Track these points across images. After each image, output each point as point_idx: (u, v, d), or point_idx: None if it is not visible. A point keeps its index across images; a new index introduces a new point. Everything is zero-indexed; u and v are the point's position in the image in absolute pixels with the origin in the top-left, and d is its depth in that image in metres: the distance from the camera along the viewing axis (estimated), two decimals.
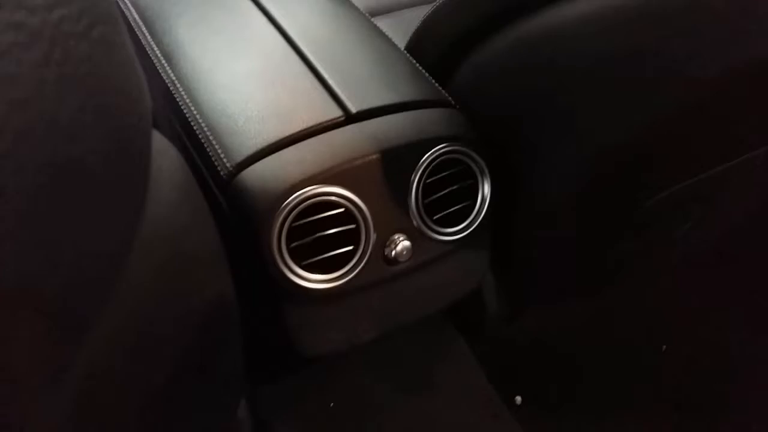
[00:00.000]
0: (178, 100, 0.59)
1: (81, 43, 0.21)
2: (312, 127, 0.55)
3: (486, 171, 0.60)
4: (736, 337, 1.01)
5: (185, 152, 0.59)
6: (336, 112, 0.57)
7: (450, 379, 0.86)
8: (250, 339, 0.54)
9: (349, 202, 0.54)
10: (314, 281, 0.55)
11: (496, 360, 0.89)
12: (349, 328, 0.61)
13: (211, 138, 0.56)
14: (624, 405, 0.94)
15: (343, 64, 0.62)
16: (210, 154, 0.55)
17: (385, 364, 0.85)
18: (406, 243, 0.57)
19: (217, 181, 0.55)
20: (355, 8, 0.73)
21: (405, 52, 0.68)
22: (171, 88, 0.61)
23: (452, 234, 0.60)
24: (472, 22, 0.61)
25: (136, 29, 0.68)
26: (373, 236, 0.56)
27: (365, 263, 0.56)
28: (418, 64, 0.65)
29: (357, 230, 0.55)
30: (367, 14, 0.72)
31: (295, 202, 0.52)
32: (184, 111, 0.59)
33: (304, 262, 0.54)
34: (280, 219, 0.52)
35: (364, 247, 0.56)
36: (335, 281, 0.55)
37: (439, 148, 0.57)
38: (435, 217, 0.59)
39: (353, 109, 0.57)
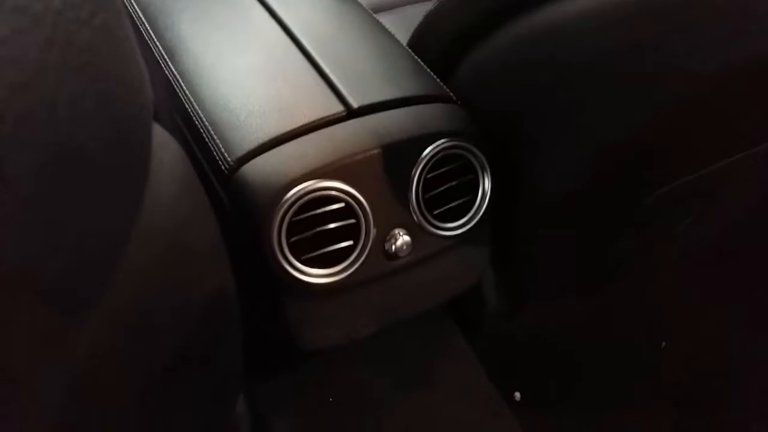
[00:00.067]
0: (180, 94, 0.60)
1: (82, 30, 0.21)
2: (313, 122, 0.56)
3: (486, 166, 0.60)
4: (736, 334, 1.01)
5: (187, 147, 0.59)
6: (337, 107, 0.57)
7: (449, 376, 0.86)
8: (250, 334, 0.54)
9: (349, 196, 0.54)
10: (314, 276, 0.55)
11: (496, 356, 0.89)
12: (348, 322, 0.61)
13: (212, 132, 0.56)
14: (623, 402, 0.94)
15: (344, 59, 0.62)
16: (211, 148, 0.56)
17: (385, 360, 0.85)
18: (407, 238, 0.58)
19: (219, 175, 0.55)
20: (358, 4, 0.73)
21: (407, 48, 0.68)
22: (173, 83, 0.61)
23: (452, 229, 0.60)
24: (473, 18, 0.61)
25: (138, 24, 0.68)
26: (373, 231, 0.56)
27: (365, 258, 0.56)
28: (419, 60, 0.65)
29: (357, 225, 0.55)
30: (369, 10, 0.73)
31: (295, 196, 0.52)
32: (186, 105, 0.59)
33: (305, 257, 0.54)
34: (281, 213, 0.52)
35: (364, 241, 0.56)
36: (335, 276, 0.56)
37: (440, 143, 0.57)
38: (435, 212, 0.59)
39: (355, 104, 0.57)
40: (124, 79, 0.26)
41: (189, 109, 0.58)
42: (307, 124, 0.55)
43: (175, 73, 0.61)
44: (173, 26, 0.66)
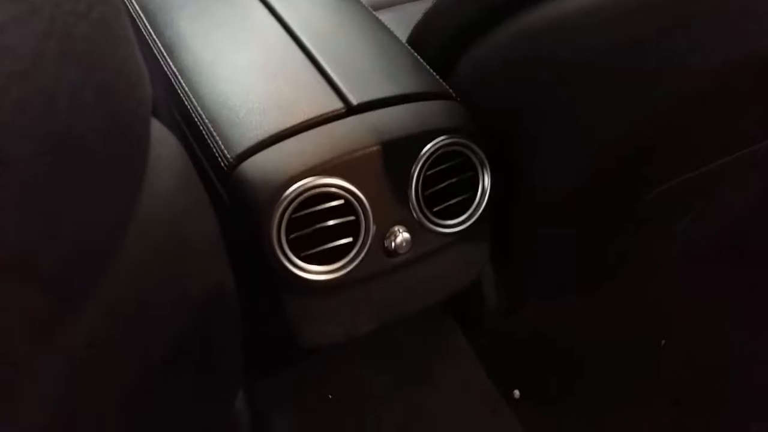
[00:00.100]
0: (179, 91, 0.60)
1: (80, 23, 0.21)
2: (313, 118, 0.55)
3: (486, 163, 0.60)
4: (736, 333, 1.01)
5: (186, 144, 0.59)
6: (337, 104, 0.57)
7: (449, 373, 0.86)
8: (249, 331, 0.54)
9: (349, 193, 0.54)
10: (314, 273, 0.55)
11: (495, 353, 0.89)
12: (348, 319, 0.61)
13: (212, 129, 0.56)
14: (623, 399, 0.94)
15: (344, 56, 0.62)
16: (211, 145, 0.56)
17: (384, 357, 0.85)
18: (406, 235, 0.57)
19: (218, 172, 0.55)
20: (358, 2, 0.73)
21: (406, 45, 0.68)
22: (172, 80, 0.61)
23: (452, 226, 0.60)
24: (473, 15, 0.61)
25: (138, 21, 0.68)
26: (372, 228, 0.56)
27: (365, 255, 0.56)
28: (419, 57, 0.65)
29: (357, 222, 0.55)
30: (369, 8, 0.72)
31: (295, 193, 0.52)
32: (185, 102, 0.59)
33: (304, 254, 0.54)
34: (280, 210, 0.52)
35: (363, 238, 0.56)
36: (335, 273, 0.56)
37: (440, 140, 0.57)
38: (435, 210, 0.59)
39: (354, 100, 0.57)
40: (123, 73, 0.26)
41: (188, 106, 0.58)
42: (306, 121, 0.55)
43: (175, 70, 0.61)
44: (172, 23, 0.66)
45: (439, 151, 0.57)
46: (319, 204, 0.53)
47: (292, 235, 0.53)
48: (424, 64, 0.65)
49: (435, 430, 0.80)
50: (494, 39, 0.59)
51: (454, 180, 0.59)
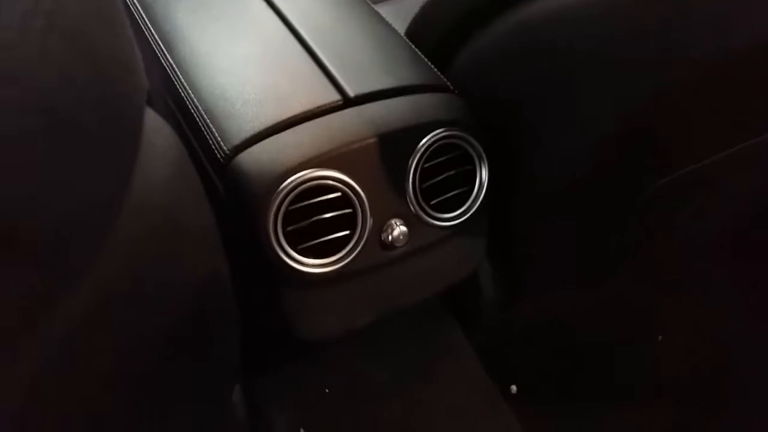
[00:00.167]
0: (176, 83, 0.59)
1: (69, 1, 0.21)
2: (310, 110, 0.55)
3: (484, 156, 0.60)
4: (736, 329, 1.00)
5: (182, 135, 0.59)
6: (334, 96, 0.57)
7: (446, 369, 0.86)
8: (247, 325, 0.54)
9: (346, 186, 0.54)
10: (310, 265, 0.55)
11: (494, 349, 0.89)
12: (345, 312, 0.61)
13: (208, 121, 0.56)
14: (621, 395, 0.94)
15: (341, 48, 0.61)
16: (207, 137, 0.55)
17: (382, 353, 0.85)
18: (403, 228, 0.57)
19: (214, 164, 0.55)
20: None
21: (404, 37, 0.67)
22: (169, 72, 0.60)
23: (449, 219, 0.60)
24: (471, 7, 0.61)
25: (134, 13, 0.67)
26: (369, 221, 0.56)
27: (361, 248, 0.56)
28: (417, 50, 0.65)
29: (354, 215, 0.55)
30: (368, 1, 0.72)
31: (291, 185, 0.52)
32: (182, 94, 0.58)
33: (301, 246, 0.54)
34: (277, 202, 0.52)
35: (360, 231, 0.56)
36: (332, 265, 0.55)
37: (437, 132, 0.56)
38: (432, 203, 0.59)
39: (351, 92, 0.57)
40: (116, 57, 0.26)
41: (185, 98, 0.58)
42: (303, 113, 0.55)
43: (172, 62, 0.61)
44: (170, 15, 0.65)
45: (437, 144, 0.57)
46: (315, 196, 0.53)
47: (289, 228, 0.53)
48: (422, 56, 0.64)
49: (432, 426, 0.80)
50: (493, 31, 0.59)
51: (451, 173, 0.59)
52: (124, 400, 0.38)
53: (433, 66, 0.64)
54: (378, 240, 0.57)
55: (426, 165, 0.57)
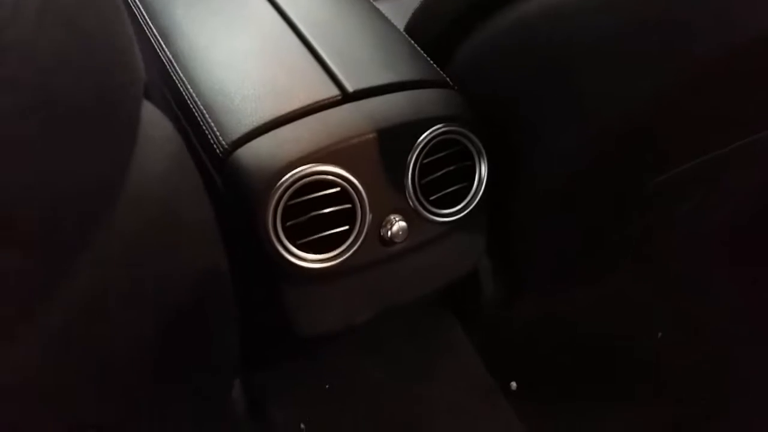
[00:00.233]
0: (174, 77, 0.59)
1: None
2: (309, 105, 0.55)
3: (483, 152, 0.59)
4: (736, 328, 1.00)
5: (181, 130, 0.59)
6: (333, 91, 0.56)
7: (446, 365, 0.86)
8: (246, 321, 0.54)
9: (345, 181, 0.53)
10: (309, 260, 0.55)
11: (494, 346, 0.89)
12: (344, 308, 0.61)
13: (207, 116, 0.56)
14: (621, 392, 0.94)
15: (341, 44, 0.61)
16: (206, 132, 0.55)
17: (382, 350, 0.85)
18: (402, 224, 0.57)
19: (213, 159, 0.55)
20: None
21: (404, 33, 0.67)
22: (167, 66, 0.60)
23: (449, 215, 0.60)
24: (470, 3, 0.60)
25: (133, 7, 0.67)
26: (368, 216, 0.55)
27: (361, 243, 0.56)
28: (416, 45, 0.65)
29: (353, 210, 0.55)
30: None
31: (290, 180, 0.51)
32: (180, 89, 0.58)
33: (300, 242, 0.54)
34: (276, 197, 0.51)
35: (359, 227, 0.55)
36: (331, 261, 0.55)
37: (436, 128, 0.56)
38: (431, 198, 0.59)
39: (350, 88, 0.57)
40: (114, 47, 0.26)
41: (183, 93, 0.58)
42: (302, 108, 0.55)
43: (170, 56, 0.61)
44: (168, 9, 0.65)
45: (436, 140, 0.57)
46: (315, 191, 0.53)
47: (288, 223, 0.53)
48: (422, 52, 0.64)
49: (432, 422, 0.80)
50: (492, 27, 0.59)
51: (451, 168, 0.59)
52: (122, 395, 0.38)
53: (432, 61, 0.64)
54: (377, 235, 0.57)
55: (425, 161, 0.57)
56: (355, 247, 0.56)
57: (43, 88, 0.21)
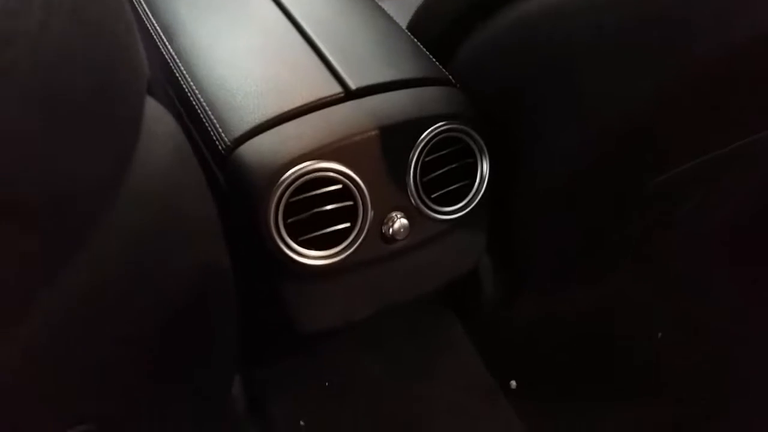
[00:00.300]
0: (176, 74, 0.59)
1: None
2: (311, 102, 0.55)
3: (485, 150, 0.59)
4: (736, 328, 1.00)
5: (183, 127, 0.59)
6: (335, 88, 0.56)
7: (446, 364, 0.86)
8: (247, 318, 0.54)
9: (346, 178, 0.54)
10: (311, 257, 0.55)
11: (494, 345, 0.89)
12: (345, 305, 0.61)
13: (209, 113, 0.56)
14: (621, 391, 0.94)
15: (343, 41, 0.61)
16: (208, 128, 0.55)
17: (382, 348, 0.85)
18: (404, 221, 0.57)
19: (215, 155, 0.55)
20: None
21: (406, 31, 0.67)
22: (170, 63, 0.60)
23: (450, 213, 0.60)
24: (472, 2, 0.61)
25: (136, 4, 0.67)
26: (370, 213, 0.55)
27: (362, 240, 0.56)
28: (419, 43, 0.65)
29: (354, 207, 0.55)
30: None
31: (292, 177, 0.52)
32: (183, 86, 0.58)
33: (302, 238, 0.54)
34: (278, 194, 0.52)
35: (361, 224, 0.55)
36: (332, 258, 0.55)
37: (438, 125, 0.56)
38: (433, 196, 0.59)
39: (353, 85, 0.57)
40: (118, 43, 0.26)
41: (186, 89, 0.58)
42: (304, 105, 0.55)
43: (172, 52, 0.61)
44: (171, 7, 0.65)
45: (438, 137, 0.57)
46: (316, 188, 0.53)
47: (290, 220, 0.53)
48: (424, 50, 0.64)
49: (431, 420, 0.80)
50: (494, 25, 0.59)
51: (452, 166, 0.59)
52: (122, 391, 0.38)
53: (434, 59, 0.64)
54: (379, 233, 0.57)
55: (427, 158, 0.57)
56: (356, 245, 0.56)
57: (46, 81, 0.21)
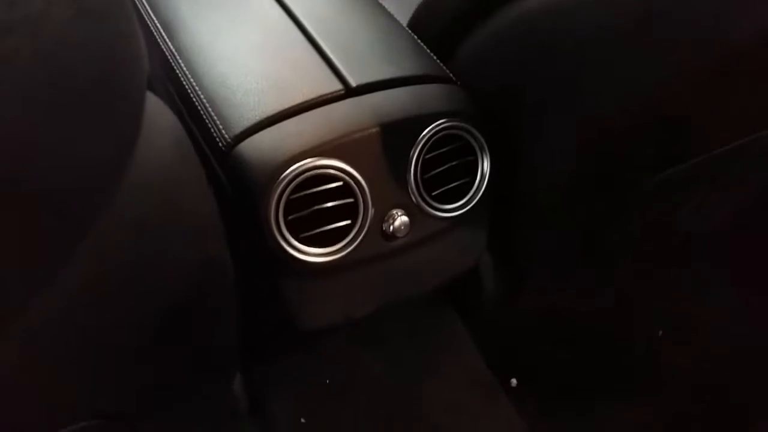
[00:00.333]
0: (177, 71, 0.59)
1: None
2: (312, 99, 0.55)
3: (486, 147, 0.59)
4: (736, 327, 1.00)
5: (184, 123, 0.59)
6: (336, 86, 0.56)
7: (447, 361, 0.86)
8: (248, 315, 0.54)
9: (347, 175, 0.54)
10: (311, 254, 0.55)
11: (495, 342, 0.89)
12: (345, 302, 0.61)
13: (209, 109, 0.56)
14: (621, 389, 0.94)
15: (344, 39, 0.61)
16: (209, 125, 0.55)
17: (383, 345, 0.85)
18: (404, 218, 0.57)
19: (216, 152, 0.55)
20: None
21: (407, 29, 0.67)
22: (170, 60, 0.60)
23: (451, 210, 0.60)
24: (472, 1, 0.61)
25: (136, 1, 0.67)
26: (371, 211, 0.55)
27: (363, 238, 0.56)
28: (419, 41, 0.65)
29: (355, 204, 0.55)
30: None
31: (293, 174, 0.52)
32: (183, 82, 0.58)
33: (302, 235, 0.54)
34: (279, 191, 0.52)
35: (361, 221, 0.55)
36: (332, 255, 0.55)
37: (439, 123, 0.56)
38: (434, 193, 0.59)
39: (353, 82, 0.57)
40: (119, 35, 0.26)
41: (186, 86, 0.58)
42: (305, 102, 0.55)
43: (173, 49, 0.61)
44: (171, 3, 0.65)
45: (439, 135, 0.57)
46: (317, 185, 0.53)
47: (290, 217, 0.53)
48: (425, 47, 0.64)
49: (432, 417, 0.80)
50: (495, 22, 0.59)
51: (453, 164, 0.59)
52: (121, 387, 0.38)
53: (435, 57, 0.64)
54: (379, 230, 0.57)
55: (428, 156, 0.57)
56: (357, 242, 0.56)
57: (47, 69, 0.21)
